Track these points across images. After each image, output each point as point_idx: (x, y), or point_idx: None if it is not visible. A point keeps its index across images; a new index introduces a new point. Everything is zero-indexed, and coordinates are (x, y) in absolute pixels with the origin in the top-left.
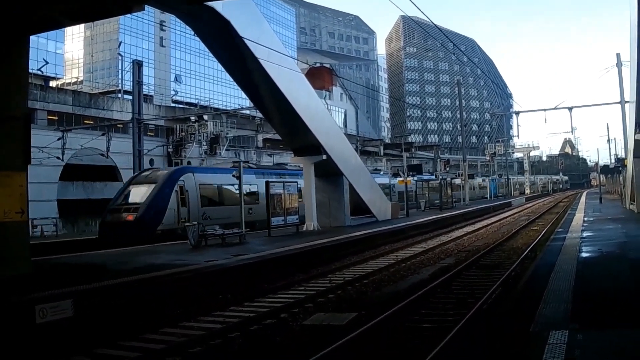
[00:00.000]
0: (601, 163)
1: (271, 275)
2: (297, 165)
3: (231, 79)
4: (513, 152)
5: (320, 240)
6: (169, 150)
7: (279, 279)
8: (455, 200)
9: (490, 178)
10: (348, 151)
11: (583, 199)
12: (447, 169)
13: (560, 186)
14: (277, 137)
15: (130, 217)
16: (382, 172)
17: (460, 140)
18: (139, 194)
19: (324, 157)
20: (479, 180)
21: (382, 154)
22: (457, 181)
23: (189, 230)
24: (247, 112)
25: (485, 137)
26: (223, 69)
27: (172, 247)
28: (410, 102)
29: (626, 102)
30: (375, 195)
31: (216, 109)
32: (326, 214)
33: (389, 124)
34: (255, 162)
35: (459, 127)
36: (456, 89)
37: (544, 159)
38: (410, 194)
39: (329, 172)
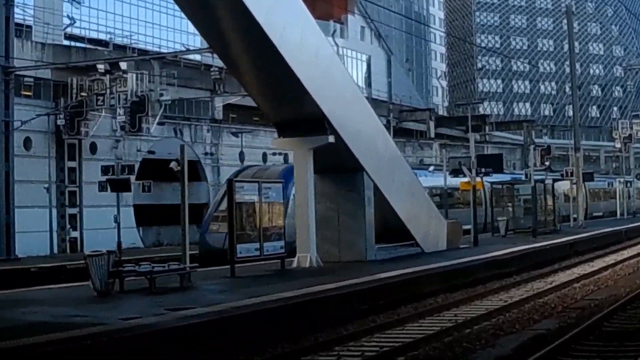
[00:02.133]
0: None
1: (231, 347)
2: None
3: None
4: None
5: (321, 286)
6: (59, 122)
7: (248, 352)
8: (560, 218)
9: (620, 180)
10: (373, 129)
11: None
12: (547, 162)
13: None
14: (249, 102)
15: None
16: (431, 168)
17: (571, 114)
18: None
19: (331, 138)
20: (601, 183)
21: (432, 134)
22: (564, 185)
23: (91, 264)
24: (197, 57)
25: (614, 109)
26: None
27: (68, 292)
28: (483, 46)
29: None
30: (420, 209)
31: (142, 52)
32: (333, 238)
33: (444, 83)
34: (213, 146)
35: (567, 89)
36: (564, 22)
37: None
38: (480, 207)
39: (338, 166)
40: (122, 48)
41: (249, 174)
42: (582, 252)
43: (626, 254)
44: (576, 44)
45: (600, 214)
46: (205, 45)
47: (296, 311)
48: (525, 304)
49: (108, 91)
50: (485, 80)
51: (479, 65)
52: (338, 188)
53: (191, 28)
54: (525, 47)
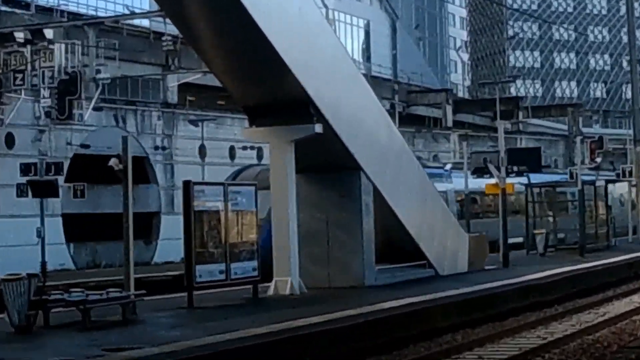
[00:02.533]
0: None
1: None
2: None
3: None
4: None
5: (304, 320)
6: None
7: None
8: (614, 230)
9: None
10: (373, 116)
11: None
12: (598, 158)
13: None
14: (212, 81)
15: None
16: (448, 166)
17: (630, 95)
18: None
19: (318, 128)
20: None
21: (449, 122)
22: (620, 188)
23: (7, 291)
24: (144, 23)
25: None
26: None
27: None
28: (516, 7)
29: None
30: (434, 219)
31: (73, 16)
32: (321, 257)
33: (465, 56)
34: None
35: (625, 63)
36: None
37: None
38: (513, 216)
39: (327, 165)
40: (47, 11)
41: (250, 175)
42: None
43: None
44: (636, 4)
45: None
46: (155, 6)
47: (271, 353)
48: (569, 342)
49: (29, 67)
50: (518, 53)
51: (511, 32)
52: (328, 192)
53: None
54: (570, 10)
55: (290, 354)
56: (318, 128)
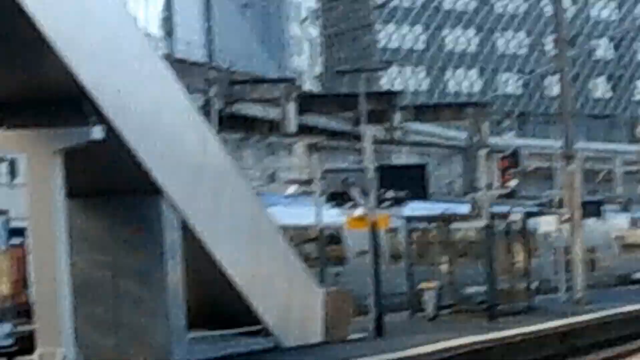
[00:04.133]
0: None
1: None
2: None
3: None
4: None
5: None
6: None
7: None
8: (538, 285)
9: None
10: (180, 117)
11: None
12: (513, 181)
13: None
14: None
15: None
16: (291, 189)
17: (556, 91)
18: None
19: (97, 132)
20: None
21: (292, 127)
22: (546, 223)
23: None
24: None
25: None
26: None
27: None
28: None
29: None
30: (273, 266)
31: None
32: (106, 320)
33: (316, 32)
34: None
35: (549, 44)
36: None
37: None
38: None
39: (114, 186)
40: None
41: None
42: (583, 349)
43: None
44: None
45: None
46: None
47: None
48: None
49: None
50: (391, 28)
51: None
52: (114, 227)
53: None
54: None
55: None
56: (97, 132)
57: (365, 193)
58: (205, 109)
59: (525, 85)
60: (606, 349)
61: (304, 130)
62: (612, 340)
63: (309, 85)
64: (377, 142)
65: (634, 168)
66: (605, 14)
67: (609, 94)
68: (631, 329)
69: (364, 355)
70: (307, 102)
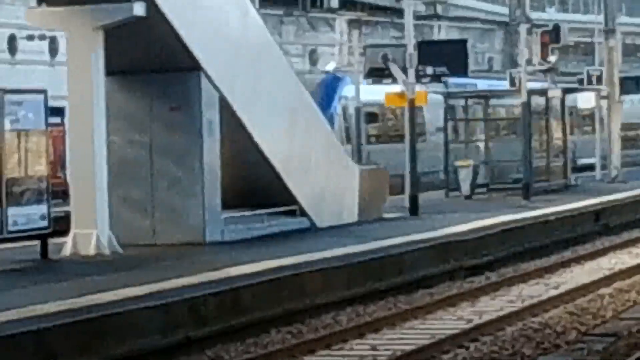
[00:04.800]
0: None
1: None
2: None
3: None
4: None
5: (113, 293)
6: None
7: None
8: (575, 163)
9: None
10: None
11: None
12: (553, 57)
13: None
14: None
15: None
16: (331, 66)
17: None
18: None
19: (138, 8)
20: None
21: (334, 3)
22: (585, 100)
23: None
24: None
25: None
26: None
27: None
28: None
29: None
30: (311, 146)
31: None
32: (143, 201)
33: None
34: None
35: None
36: None
37: None
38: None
39: (152, 64)
40: None
41: None
42: (616, 228)
43: None
44: None
45: None
46: None
47: (65, 340)
48: (506, 326)
49: None
50: None
51: None
52: (152, 104)
53: None
54: None
55: (93, 342)
56: (138, 8)
57: (404, 69)
58: None
59: None
60: (620, 234)
61: (346, 5)
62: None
63: None
64: (417, 17)
65: None
66: None
67: None
68: None
69: (397, 235)
70: None
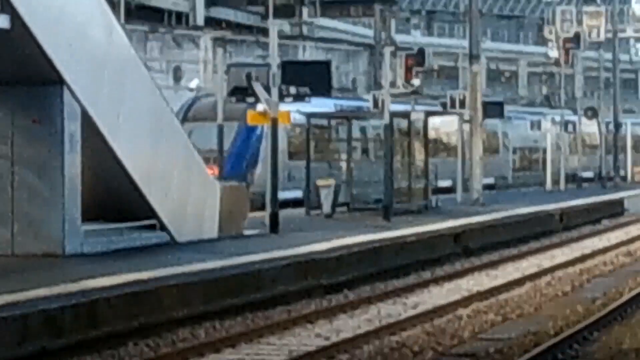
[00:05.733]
0: None
1: None
2: None
3: None
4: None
5: None
6: None
7: None
8: (436, 185)
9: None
10: (86, 7)
11: None
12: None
13: None
14: None
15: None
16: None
17: None
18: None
19: (3, 21)
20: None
21: (200, 19)
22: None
23: None
24: None
25: None
26: None
27: None
28: None
29: None
30: (172, 161)
31: None
32: (1, 211)
33: None
34: None
35: None
36: None
37: None
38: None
39: (13, 75)
40: None
41: (207, 107)
42: (475, 250)
43: (559, 256)
44: None
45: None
46: None
47: None
48: (363, 345)
49: None
50: None
51: None
52: (13, 116)
53: None
54: None
55: None
56: (3, 21)
57: (267, 88)
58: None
59: None
60: (499, 249)
61: (211, 23)
62: (506, 241)
63: None
64: (283, 37)
65: (538, 70)
66: None
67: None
68: (526, 230)
69: (256, 252)
70: None
